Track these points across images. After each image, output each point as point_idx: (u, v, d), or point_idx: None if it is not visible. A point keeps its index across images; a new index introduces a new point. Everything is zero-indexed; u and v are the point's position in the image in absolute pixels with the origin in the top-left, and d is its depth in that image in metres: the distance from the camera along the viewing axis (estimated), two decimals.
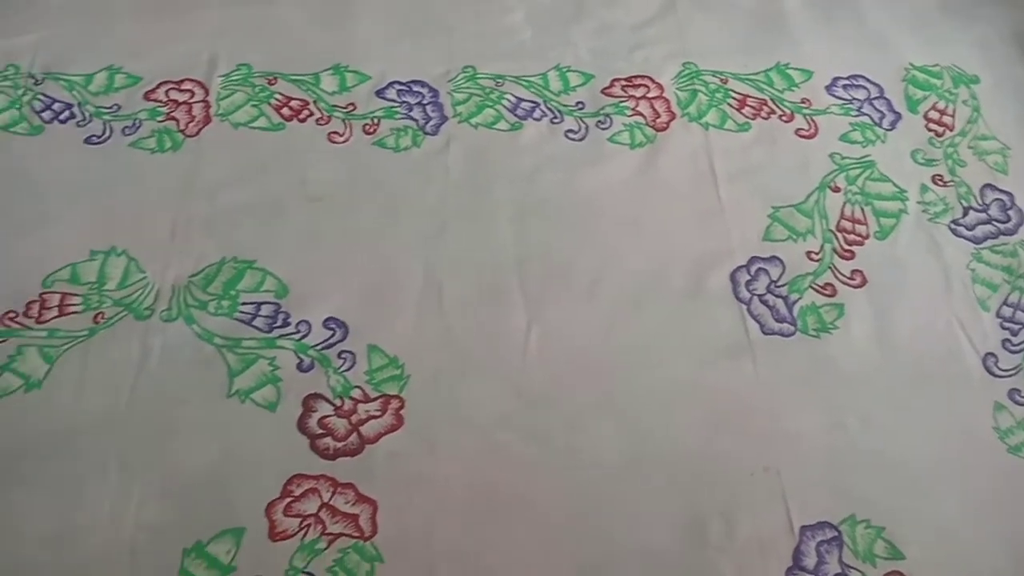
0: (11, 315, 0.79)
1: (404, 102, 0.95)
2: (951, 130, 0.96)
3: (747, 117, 0.96)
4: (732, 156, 0.92)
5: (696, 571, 0.69)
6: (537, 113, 0.95)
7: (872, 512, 0.72)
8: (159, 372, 0.76)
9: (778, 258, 0.86)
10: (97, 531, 0.68)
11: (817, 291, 0.84)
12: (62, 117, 0.92)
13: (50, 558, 0.67)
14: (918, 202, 0.91)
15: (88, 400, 0.74)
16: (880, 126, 0.96)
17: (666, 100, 0.97)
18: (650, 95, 0.97)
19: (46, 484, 0.70)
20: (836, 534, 0.71)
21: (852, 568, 0.69)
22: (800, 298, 0.83)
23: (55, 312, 0.79)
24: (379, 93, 0.95)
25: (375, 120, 0.93)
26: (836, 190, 0.91)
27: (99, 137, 0.91)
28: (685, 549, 0.70)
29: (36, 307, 0.79)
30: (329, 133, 0.92)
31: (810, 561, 0.69)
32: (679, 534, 0.71)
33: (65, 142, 0.90)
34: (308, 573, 0.67)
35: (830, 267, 0.85)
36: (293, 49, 0.99)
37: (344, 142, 0.92)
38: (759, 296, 0.83)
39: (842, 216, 0.89)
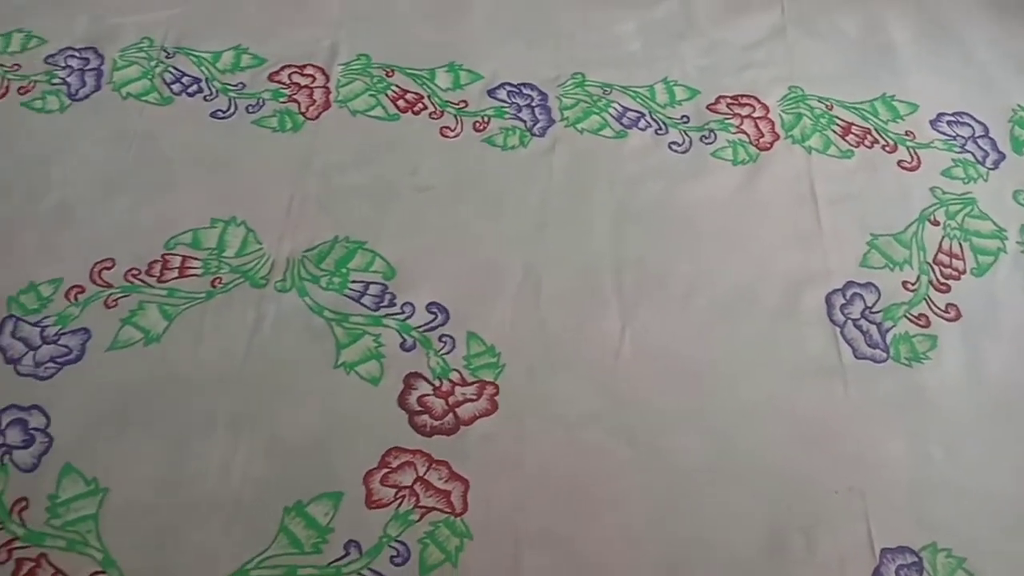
0: (134, 272, 0.83)
1: (514, 103, 0.98)
2: None
3: (851, 145, 0.97)
4: (833, 181, 0.94)
5: None
6: (642, 123, 0.97)
7: (954, 542, 0.72)
8: (271, 338, 0.80)
9: (874, 285, 0.86)
10: (206, 480, 0.72)
11: (911, 321, 0.84)
12: (190, 91, 0.97)
13: (162, 501, 0.71)
14: (1017, 242, 0.91)
15: (203, 358, 0.79)
16: (983, 164, 0.97)
17: (771, 121, 0.98)
18: (755, 115, 0.98)
19: (160, 432, 0.74)
20: (916, 560, 0.71)
21: None
22: (894, 326, 0.84)
23: (175, 273, 0.83)
24: (490, 93, 0.99)
25: (485, 118, 0.96)
26: (935, 224, 0.92)
27: (224, 112, 0.96)
28: (765, 559, 0.72)
29: (158, 267, 0.84)
30: (441, 127, 0.96)
31: None
32: (760, 544, 0.72)
33: (192, 114, 0.95)
34: (400, 542, 0.70)
35: (925, 298, 0.86)
36: (410, 44, 1.03)
37: (455, 137, 0.95)
38: (853, 320, 0.84)
39: (939, 250, 0.90)
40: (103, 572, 0.68)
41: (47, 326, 0.79)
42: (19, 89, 0.96)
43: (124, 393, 0.76)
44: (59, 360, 0.77)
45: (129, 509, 0.71)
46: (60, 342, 0.78)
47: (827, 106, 1.00)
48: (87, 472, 0.72)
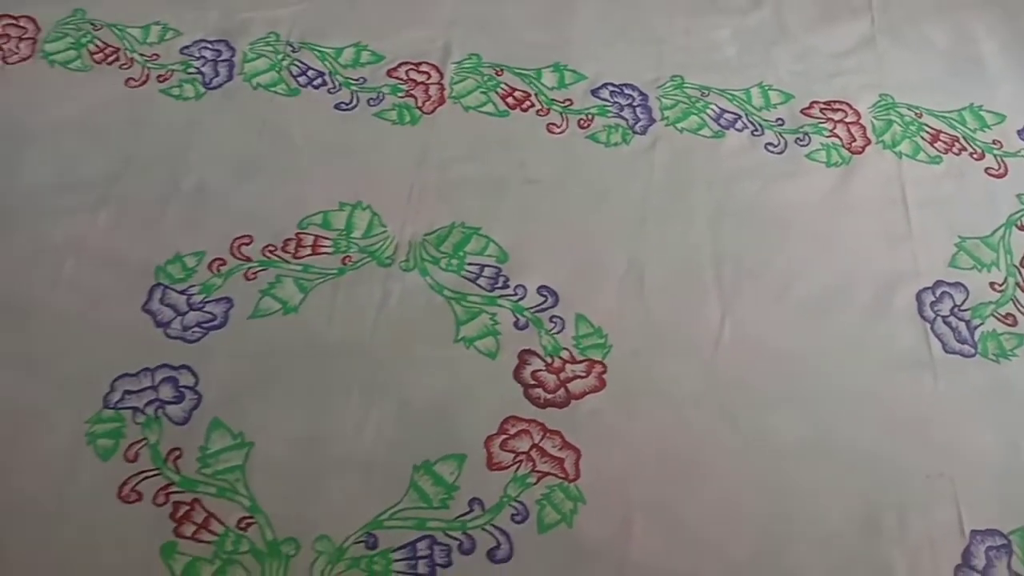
0: (270, 248, 0.90)
1: (616, 102, 1.04)
2: None
3: (939, 151, 1.01)
4: (923, 185, 0.98)
5: (869, 559, 0.75)
6: (739, 124, 1.02)
7: None
8: (397, 312, 0.86)
9: (963, 284, 0.91)
10: (342, 439, 0.79)
11: (999, 319, 0.88)
12: (315, 83, 1.04)
13: (303, 456, 0.78)
14: None
15: (336, 328, 0.85)
16: None
17: (862, 126, 1.03)
18: (847, 120, 1.03)
19: (300, 394, 0.81)
20: (1005, 542, 0.75)
21: None
22: (982, 323, 0.88)
23: (309, 251, 0.91)
24: (594, 92, 1.05)
25: (589, 116, 1.02)
26: (1022, 229, 0.95)
27: (347, 104, 1.03)
28: (858, 537, 0.76)
29: (292, 245, 0.91)
30: (548, 124, 1.02)
31: (979, 562, 0.74)
32: (854, 524, 0.77)
33: (318, 105, 1.02)
34: (519, 502, 0.76)
35: (1012, 299, 0.90)
36: (517, 45, 1.09)
37: (560, 133, 1.01)
38: (943, 317, 0.88)
39: None
40: (251, 517, 0.75)
41: (193, 294, 0.87)
42: (158, 77, 1.04)
43: (265, 357, 0.83)
44: (205, 325, 0.85)
45: (272, 462, 0.78)
46: (205, 309, 0.86)
47: (916, 114, 1.04)
48: (234, 427, 0.79)
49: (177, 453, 0.77)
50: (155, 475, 0.76)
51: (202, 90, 1.03)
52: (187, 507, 0.75)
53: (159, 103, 1.02)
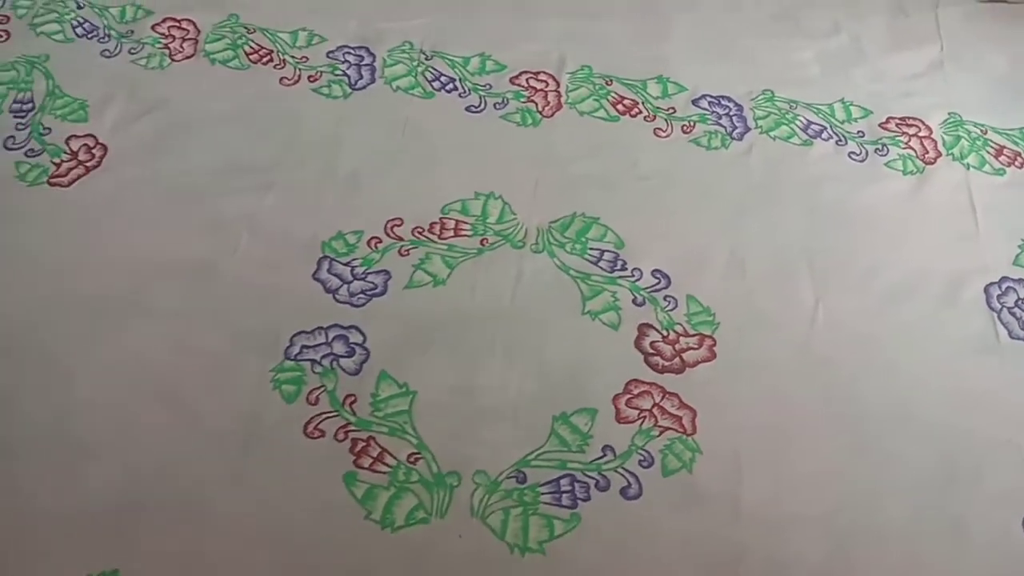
0: (419, 229, 1.04)
1: (714, 112, 1.17)
2: None
3: (1003, 164, 1.14)
4: (988, 193, 1.10)
5: (946, 510, 0.86)
6: (825, 135, 1.15)
7: None
8: (531, 287, 0.99)
9: None
10: (490, 392, 0.91)
11: None
12: (448, 88, 1.18)
13: (458, 404, 0.90)
14: None
15: (479, 299, 0.98)
16: None
17: (933, 140, 1.15)
18: (920, 134, 1.16)
19: (452, 353, 0.94)
20: None
21: None
22: None
23: (451, 233, 1.04)
24: (694, 102, 1.18)
25: (691, 122, 1.15)
26: None
27: (476, 108, 1.16)
28: (937, 492, 0.87)
29: (437, 227, 1.04)
30: (654, 128, 1.15)
31: None
32: (932, 481, 0.88)
33: (450, 108, 1.16)
34: (645, 451, 0.89)
35: None
36: (623, 59, 1.22)
37: (666, 137, 1.14)
38: (1008, 308, 1.00)
39: None
40: (418, 454, 0.87)
41: (356, 266, 1.00)
42: (309, 77, 1.18)
43: (421, 321, 0.96)
44: (368, 293, 0.98)
45: (433, 408, 0.90)
46: (367, 279, 0.99)
47: (981, 131, 1.17)
48: (399, 378, 0.92)
49: (352, 398, 0.90)
50: (334, 416, 0.89)
51: (348, 90, 1.17)
52: (363, 443, 0.88)
53: (311, 100, 1.15)
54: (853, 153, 1.13)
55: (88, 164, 1.08)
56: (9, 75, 1.16)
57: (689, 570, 0.82)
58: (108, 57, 1.19)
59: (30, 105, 1.13)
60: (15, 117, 1.12)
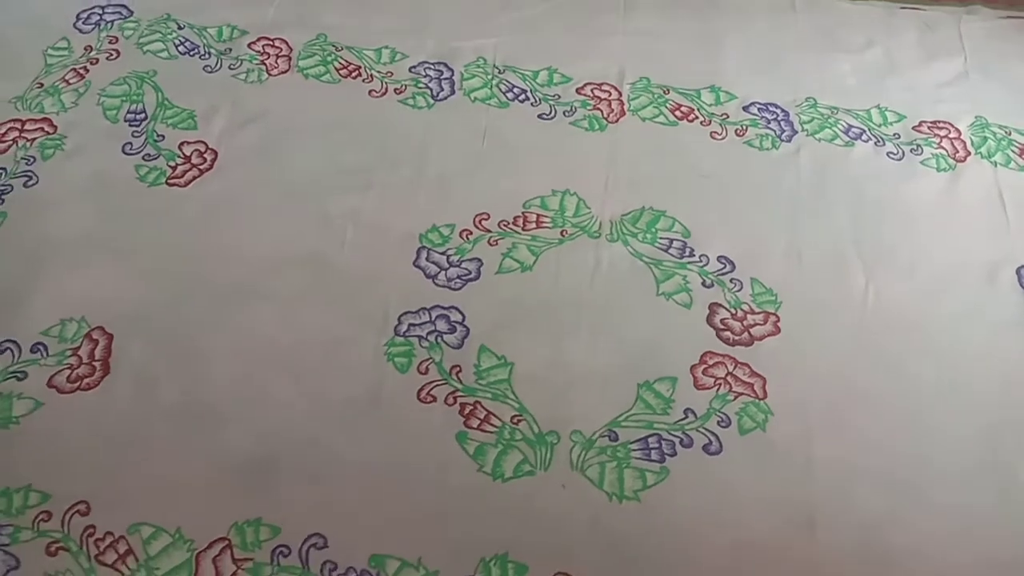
0: (504, 222, 1.15)
1: (763, 117, 1.28)
2: None
3: None
4: (1016, 188, 1.21)
5: (995, 466, 0.96)
6: (864, 137, 1.27)
7: None
8: (608, 273, 1.10)
9: None
10: (579, 363, 1.02)
11: None
12: (520, 98, 1.30)
13: (549, 374, 1.01)
14: None
15: (563, 282, 1.09)
16: None
17: (963, 141, 1.27)
18: (950, 136, 1.27)
19: (542, 330, 1.04)
20: None
21: None
22: None
23: (534, 225, 1.15)
24: (744, 108, 1.29)
25: (744, 127, 1.27)
26: None
27: (547, 115, 1.28)
28: (985, 450, 0.97)
29: (520, 220, 1.15)
30: (711, 132, 1.27)
31: None
32: (980, 441, 0.98)
33: (524, 116, 1.28)
34: (723, 413, 0.99)
35: None
36: (677, 71, 1.34)
37: (721, 139, 1.26)
38: None
39: None
40: (520, 416, 0.98)
41: (451, 255, 1.11)
42: (395, 90, 1.30)
43: (512, 302, 1.07)
44: (463, 278, 1.09)
45: (529, 377, 1.01)
46: (462, 266, 1.10)
47: (1006, 132, 1.29)
48: (497, 351, 1.02)
49: (458, 368, 1.01)
50: (443, 384, 1.00)
51: (432, 101, 1.28)
52: (471, 407, 0.98)
53: (398, 111, 1.27)
54: (891, 153, 1.25)
55: (201, 167, 1.19)
56: (122, 89, 1.28)
57: (767, 515, 0.92)
58: (210, 72, 1.31)
59: (143, 115, 1.25)
60: (130, 126, 1.24)
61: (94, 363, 1.00)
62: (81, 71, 1.30)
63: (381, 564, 0.86)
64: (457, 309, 1.06)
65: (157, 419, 0.96)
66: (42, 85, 1.28)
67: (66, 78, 1.29)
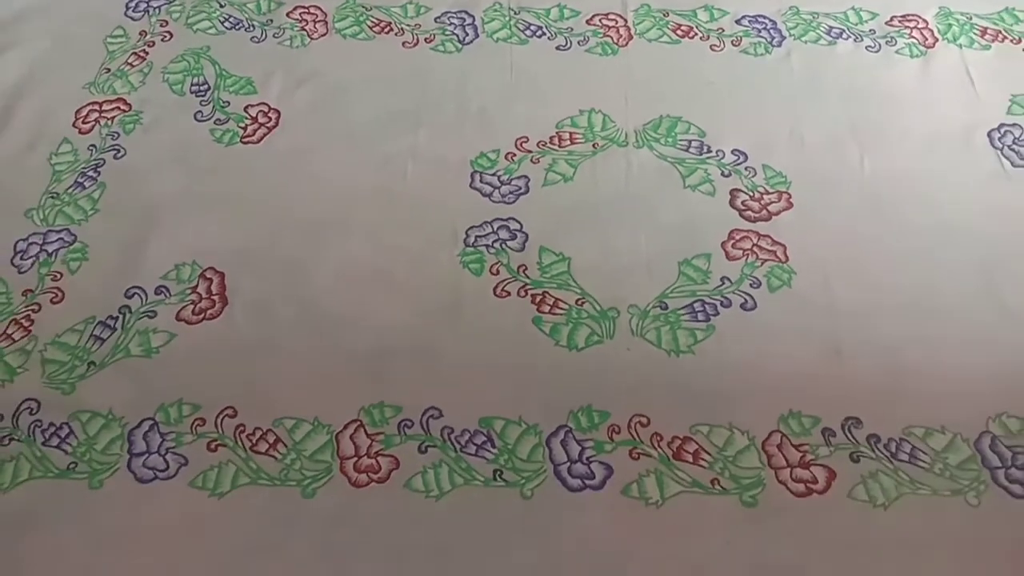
0: (541, 142, 1.31)
1: (755, 27, 1.45)
2: None
3: (988, 41, 1.42)
4: (980, 64, 1.39)
5: (989, 292, 1.14)
6: (844, 35, 1.43)
7: None
8: (639, 174, 1.27)
9: (1018, 124, 1.32)
10: (625, 252, 1.18)
11: None
12: (538, 35, 1.45)
13: (602, 265, 1.17)
14: None
15: (601, 187, 1.25)
16: None
17: (931, 30, 1.44)
18: (919, 26, 1.44)
19: (589, 229, 1.21)
20: None
21: None
22: None
23: (568, 142, 1.31)
24: (737, 22, 1.46)
25: (739, 38, 1.43)
26: None
27: (564, 47, 1.43)
28: (981, 281, 1.15)
29: (556, 139, 1.32)
30: (710, 45, 1.43)
31: None
32: (977, 274, 1.15)
33: (543, 49, 1.43)
34: (754, 276, 1.17)
35: None
36: None
37: (720, 51, 1.42)
38: (1008, 146, 1.29)
39: None
40: (582, 299, 1.15)
41: (500, 174, 1.27)
42: (425, 39, 1.45)
43: (561, 208, 1.23)
44: (515, 193, 1.25)
45: (586, 268, 1.17)
46: (512, 184, 1.26)
47: (968, 18, 1.45)
48: (554, 249, 1.19)
49: (524, 267, 1.18)
50: (514, 281, 1.17)
51: (460, 46, 1.44)
52: (540, 296, 1.15)
53: (431, 57, 1.43)
54: (869, 47, 1.42)
55: (268, 126, 1.34)
56: (182, 65, 1.43)
57: (800, 351, 1.10)
58: (257, 43, 1.46)
59: (206, 86, 1.40)
60: (196, 96, 1.39)
61: (212, 297, 1.16)
62: (141, 54, 1.44)
63: (489, 424, 1.04)
64: (515, 219, 1.22)
65: (279, 334, 1.12)
66: (109, 70, 1.42)
67: (129, 61, 1.43)
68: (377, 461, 1.01)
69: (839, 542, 0.95)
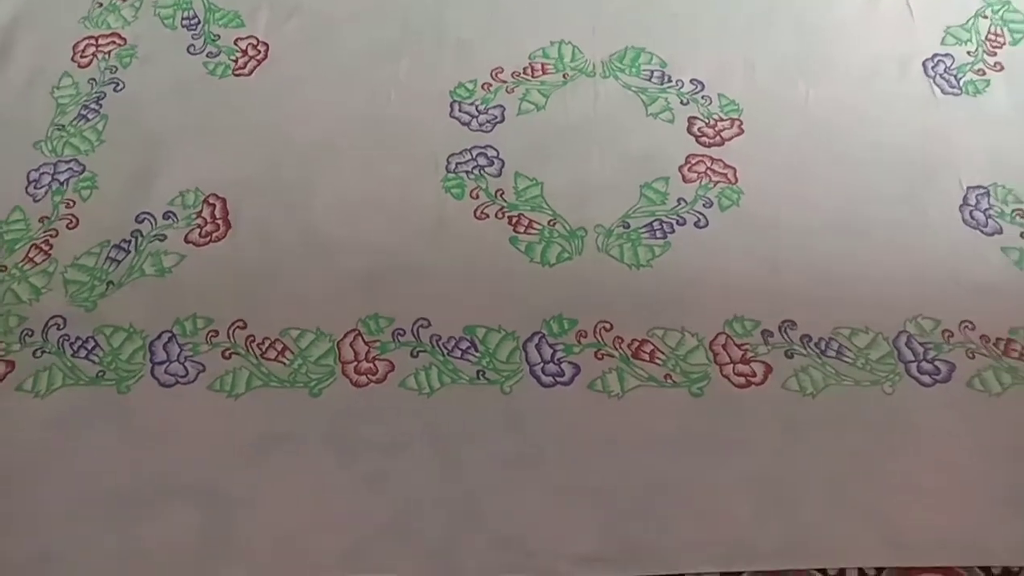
0: (515, 72, 1.41)
1: None
2: None
3: None
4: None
5: (913, 208, 1.29)
6: None
7: (1014, 183, 1.31)
8: (606, 103, 1.38)
9: (950, 55, 1.44)
10: (594, 175, 1.29)
11: (973, 73, 1.42)
12: None
13: (572, 188, 1.29)
14: None
15: (571, 115, 1.36)
16: None
17: None
18: None
19: (561, 154, 1.32)
20: (985, 190, 1.31)
21: None
22: (964, 76, 1.42)
23: (540, 72, 1.42)
24: None
25: None
26: (985, 17, 1.49)
27: None
28: (908, 197, 1.30)
29: (529, 70, 1.42)
30: None
31: (970, 199, 1.30)
32: (904, 190, 1.30)
33: None
34: (707, 197, 1.30)
35: (982, 60, 1.44)
36: None
37: None
38: (939, 74, 1.42)
39: (988, 32, 1.47)
40: (554, 220, 1.27)
41: (477, 104, 1.38)
42: None
43: (534, 135, 1.34)
44: (492, 122, 1.36)
45: (558, 191, 1.29)
46: (488, 113, 1.37)
47: None
48: (528, 175, 1.31)
49: (501, 191, 1.30)
50: (492, 204, 1.29)
51: None
52: (515, 217, 1.28)
53: None
54: None
55: (258, 58, 1.43)
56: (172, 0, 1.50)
57: (744, 265, 1.24)
58: None
59: (196, 20, 1.48)
60: (187, 30, 1.47)
61: (216, 221, 1.27)
62: None
63: (473, 331, 1.18)
64: (492, 147, 1.34)
65: (282, 254, 1.24)
66: (101, 4, 1.49)
67: None
68: (375, 364, 1.15)
69: (774, 424, 1.11)
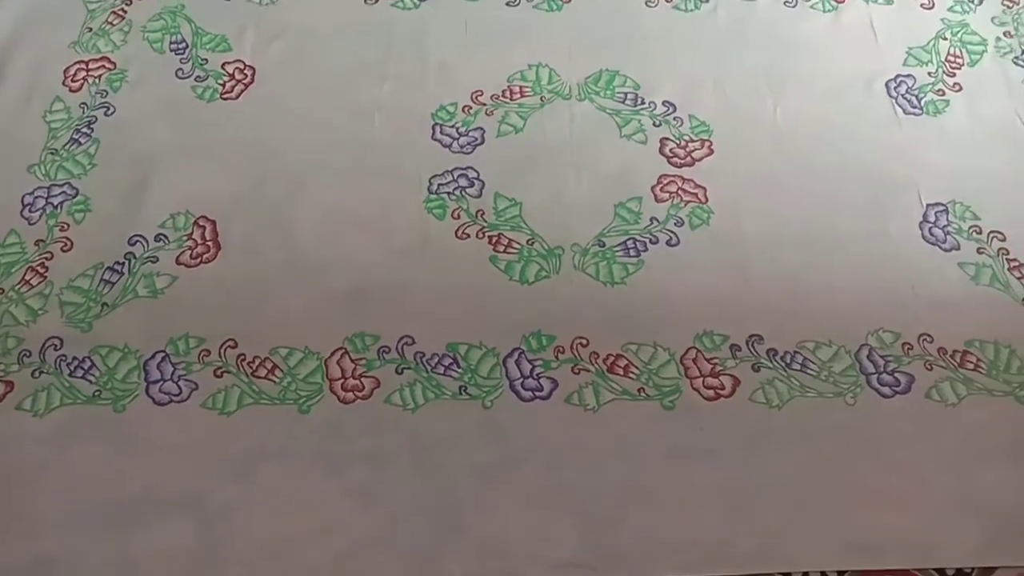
0: (494, 95, 1.47)
1: None
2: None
3: None
4: (883, 18, 1.55)
5: (879, 224, 1.36)
6: None
7: (971, 199, 1.37)
8: (582, 125, 1.43)
9: (912, 75, 1.50)
10: (570, 195, 1.35)
11: (934, 94, 1.49)
12: None
13: (551, 207, 1.35)
14: (994, 47, 1.55)
15: (549, 137, 1.41)
16: (972, 2, 1.59)
17: None
18: None
19: (537, 173, 1.37)
20: (944, 208, 1.37)
21: None
22: (925, 96, 1.48)
23: (519, 95, 1.47)
24: None
25: None
26: (945, 39, 1.55)
27: (513, 3, 1.57)
28: (874, 213, 1.37)
29: (507, 92, 1.47)
30: (645, 2, 1.58)
31: (929, 216, 1.36)
32: (870, 207, 1.36)
33: (494, 6, 1.56)
34: (678, 217, 1.35)
35: (942, 81, 1.50)
36: None
37: (655, 7, 1.57)
38: (902, 94, 1.48)
39: (948, 54, 1.53)
40: (532, 240, 1.33)
41: (458, 126, 1.43)
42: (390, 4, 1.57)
43: (513, 157, 1.39)
44: (472, 144, 1.41)
45: (536, 210, 1.34)
46: (469, 135, 1.42)
47: None
48: (508, 195, 1.37)
49: (481, 211, 1.35)
50: (473, 224, 1.34)
51: (418, 3, 1.56)
52: (495, 237, 1.33)
53: (393, 13, 1.55)
54: (787, 2, 1.58)
55: (244, 82, 1.48)
56: (160, 23, 1.54)
57: (719, 282, 1.30)
58: (227, 0, 1.57)
59: (184, 44, 1.52)
60: (175, 54, 1.51)
61: (207, 243, 1.32)
62: (120, 12, 1.55)
63: (455, 348, 1.23)
64: (472, 168, 1.39)
65: (270, 275, 1.29)
66: (91, 29, 1.53)
67: (109, 20, 1.54)
68: (361, 381, 1.20)
69: (741, 435, 1.17)
